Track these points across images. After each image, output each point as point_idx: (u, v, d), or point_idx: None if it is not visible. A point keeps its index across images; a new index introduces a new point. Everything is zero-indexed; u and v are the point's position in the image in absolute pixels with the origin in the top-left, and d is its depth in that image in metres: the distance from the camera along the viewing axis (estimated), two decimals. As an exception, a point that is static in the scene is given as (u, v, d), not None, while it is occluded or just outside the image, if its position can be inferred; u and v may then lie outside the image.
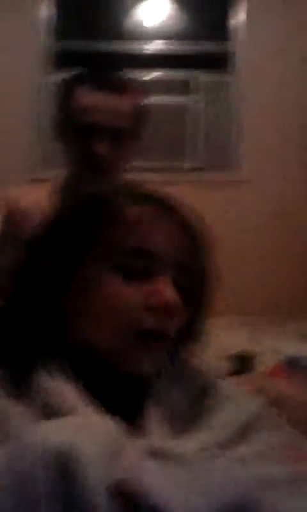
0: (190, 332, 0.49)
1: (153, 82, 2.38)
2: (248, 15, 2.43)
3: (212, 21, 2.52)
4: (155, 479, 0.36)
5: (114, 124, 1.08)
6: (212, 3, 2.52)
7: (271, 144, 2.36)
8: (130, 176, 1.20)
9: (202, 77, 2.43)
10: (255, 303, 2.25)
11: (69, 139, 1.13)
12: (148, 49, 2.52)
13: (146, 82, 2.31)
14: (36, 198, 1.21)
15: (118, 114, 1.09)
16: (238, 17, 2.46)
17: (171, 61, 2.49)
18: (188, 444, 0.41)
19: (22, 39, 2.38)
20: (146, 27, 2.53)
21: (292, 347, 1.64)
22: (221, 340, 1.26)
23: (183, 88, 2.41)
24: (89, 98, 1.09)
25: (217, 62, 2.47)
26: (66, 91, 1.14)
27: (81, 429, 0.37)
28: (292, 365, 0.86)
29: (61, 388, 0.42)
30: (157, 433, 0.42)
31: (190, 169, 2.41)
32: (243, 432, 0.44)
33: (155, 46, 2.52)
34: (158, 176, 2.16)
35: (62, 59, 2.46)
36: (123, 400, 0.43)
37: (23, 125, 2.38)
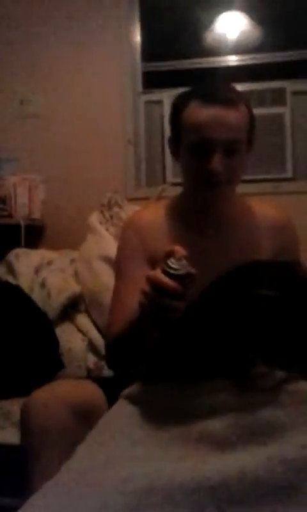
0: None
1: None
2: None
3: (294, 29, 2.50)
4: None
5: (227, 138, 1.08)
6: (291, 11, 2.50)
7: None
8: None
9: (290, 86, 2.39)
10: None
11: (184, 155, 1.15)
12: (231, 63, 2.54)
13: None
14: (154, 215, 1.26)
15: (230, 127, 1.08)
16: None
17: (256, 72, 2.50)
18: None
19: (114, 63, 2.46)
20: (227, 41, 2.56)
21: None
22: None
23: (270, 98, 2.39)
24: (201, 114, 1.09)
25: (305, 70, 2.44)
26: (178, 109, 1.15)
27: None
28: None
29: None
30: None
31: (279, 179, 2.38)
32: None
33: (238, 59, 2.54)
34: (249, 187, 2.17)
35: (150, 79, 2.55)
36: None
37: (118, 145, 2.45)
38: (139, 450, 0.59)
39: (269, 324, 0.61)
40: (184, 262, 0.84)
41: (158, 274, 0.85)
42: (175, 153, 1.21)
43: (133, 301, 1.17)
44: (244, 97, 1.16)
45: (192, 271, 0.84)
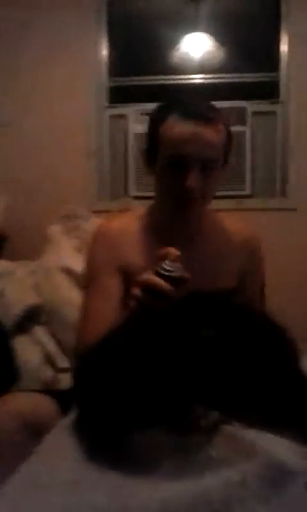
0: None
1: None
2: (291, 44, 2.47)
3: (256, 53, 2.59)
4: None
5: (205, 156, 1.08)
6: (253, 36, 2.58)
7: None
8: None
9: (250, 107, 2.47)
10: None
11: (159, 168, 1.13)
12: (195, 81, 2.61)
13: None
14: (125, 225, 1.24)
15: (207, 145, 1.07)
16: (283, 47, 2.51)
17: (218, 92, 2.57)
18: None
19: (81, 78, 2.49)
20: (192, 60, 2.63)
21: None
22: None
23: (231, 118, 2.46)
24: (179, 129, 1.07)
25: (265, 92, 2.52)
26: (155, 122, 1.13)
27: None
28: None
29: None
30: None
31: (238, 196, 2.44)
32: None
33: (202, 78, 2.60)
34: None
35: (115, 94, 2.59)
36: None
37: (82, 158, 2.47)
38: (78, 475, 0.60)
39: (208, 366, 0.60)
40: (178, 264, 0.82)
41: (152, 276, 0.82)
42: (149, 165, 1.18)
43: (107, 310, 1.13)
44: (223, 116, 1.14)
45: (187, 274, 0.81)
